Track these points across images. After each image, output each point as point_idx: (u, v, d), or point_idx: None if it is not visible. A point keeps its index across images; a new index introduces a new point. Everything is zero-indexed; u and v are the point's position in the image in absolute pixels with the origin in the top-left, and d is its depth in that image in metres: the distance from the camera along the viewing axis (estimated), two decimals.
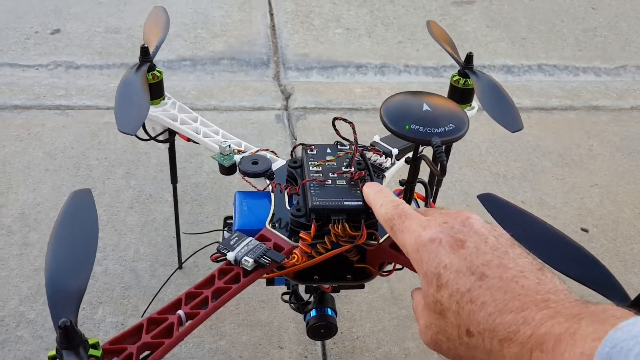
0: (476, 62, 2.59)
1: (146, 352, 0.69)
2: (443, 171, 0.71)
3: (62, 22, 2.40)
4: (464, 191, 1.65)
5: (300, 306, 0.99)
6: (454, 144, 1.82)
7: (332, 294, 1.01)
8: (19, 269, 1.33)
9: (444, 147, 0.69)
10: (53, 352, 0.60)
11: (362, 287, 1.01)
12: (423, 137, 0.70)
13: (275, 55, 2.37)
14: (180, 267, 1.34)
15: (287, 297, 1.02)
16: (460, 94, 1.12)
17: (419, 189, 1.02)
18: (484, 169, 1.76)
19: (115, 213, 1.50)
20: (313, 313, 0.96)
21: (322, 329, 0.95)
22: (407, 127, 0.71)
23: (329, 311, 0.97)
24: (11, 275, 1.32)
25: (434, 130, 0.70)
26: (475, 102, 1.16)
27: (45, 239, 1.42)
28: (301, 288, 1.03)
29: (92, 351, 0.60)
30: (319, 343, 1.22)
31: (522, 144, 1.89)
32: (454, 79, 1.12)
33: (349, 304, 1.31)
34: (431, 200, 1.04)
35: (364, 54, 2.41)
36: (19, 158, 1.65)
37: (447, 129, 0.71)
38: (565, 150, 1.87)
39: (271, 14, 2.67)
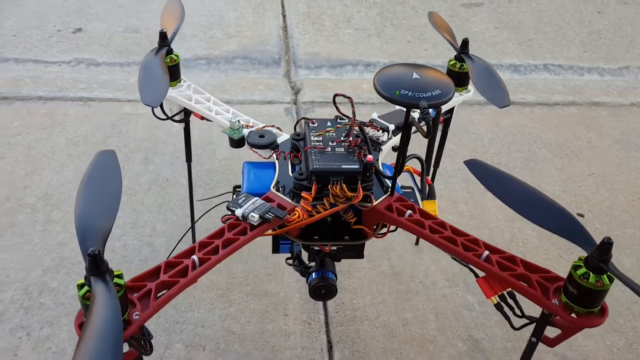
0: None
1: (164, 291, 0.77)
2: (429, 132, 0.78)
3: (84, 21, 2.52)
4: (465, 179, 1.72)
5: (303, 269, 1.07)
6: (456, 135, 1.89)
7: (333, 262, 1.08)
8: (42, 243, 1.43)
9: (430, 109, 0.77)
10: (82, 280, 0.68)
11: (362, 256, 1.07)
12: (411, 101, 0.78)
13: (286, 55, 2.46)
14: (192, 227, 1.40)
15: (291, 262, 1.09)
16: (457, 77, 1.20)
17: (415, 164, 1.10)
18: (486, 158, 1.83)
19: (134, 194, 1.59)
20: (314, 275, 1.03)
21: (322, 289, 1.02)
22: (397, 92, 0.79)
23: (330, 274, 1.04)
24: (35, 249, 1.41)
25: (421, 94, 0.78)
26: (471, 86, 1.23)
27: (67, 217, 1.52)
28: (304, 256, 1.10)
29: (116, 280, 0.68)
30: (321, 311, 1.29)
31: (524, 136, 1.96)
32: (451, 63, 1.20)
33: (350, 278, 1.39)
34: (426, 175, 1.11)
35: (373, 53, 2.49)
36: (43, 144, 1.76)
37: (433, 93, 0.78)
38: (566, 142, 1.93)
39: (284, 16, 2.77)
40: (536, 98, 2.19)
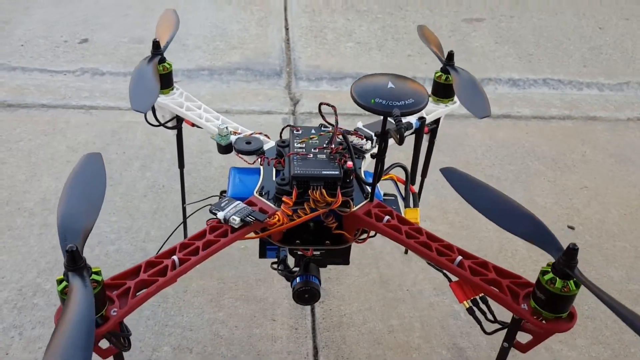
0: (482, 74, 2.69)
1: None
2: (401, 139, 0.81)
3: (90, 32, 2.58)
4: None
5: (287, 273, 1.09)
6: (450, 147, 1.92)
7: (319, 268, 1.10)
8: (39, 246, 1.46)
9: (402, 118, 0.79)
10: (61, 276, 0.71)
11: (347, 262, 1.09)
12: (385, 109, 0.80)
13: (288, 67, 2.50)
14: (185, 227, 1.43)
15: (275, 267, 1.11)
16: (443, 89, 1.23)
17: (399, 173, 1.12)
18: (478, 170, 1.85)
19: (130, 200, 1.62)
20: (298, 279, 1.06)
21: (306, 293, 1.04)
22: (372, 100, 0.82)
23: (313, 279, 1.06)
24: (31, 251, 1.45)
25: (395, 103, 0.81)
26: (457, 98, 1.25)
27: None
28: (291, 262, 1.12)
29: (94, 276, 0.71)
30: (309, 317, 1.31)
31: (518, 149, 1.97)
32: (437, 75, 1.23)
33: (339, 285, 1.40)
34: (411, 184, 1.13)
35: (373, 66, 2.53)
36: (44, 150, 1.80)
37: (407, 102, 0.81)
38: (559, 155, 1.95)
39: (286, 29, 2.81)
40: (532, 112, 2.21)
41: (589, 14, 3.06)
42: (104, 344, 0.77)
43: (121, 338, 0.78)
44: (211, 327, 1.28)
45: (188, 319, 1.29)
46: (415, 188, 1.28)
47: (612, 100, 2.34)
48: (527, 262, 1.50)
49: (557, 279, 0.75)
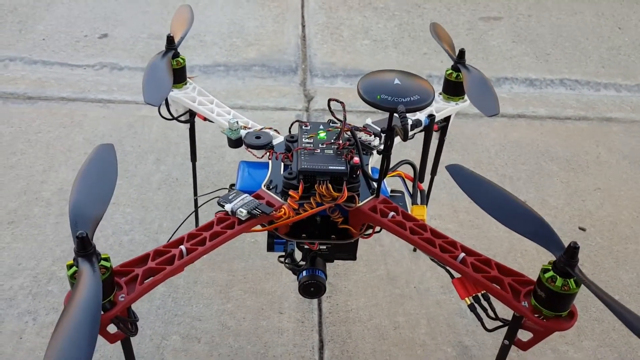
0: (499, 74, 2.68)
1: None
2: (406, 135, 0.82)
3: (110, 27, 2.62)
4: None
5: (294, 267, 1.10)
6: (463, 145, 1.92)
7: (326, 262, 1.12)
8: (54, 235, 1.49)
9: (407, 114, 0.80)
10: (71, 261, 0.74)
11: (354, 258, 1.10)
12: (390, 105, 0.81)
13: (303, 64, 2.52)
14: (196, 218, 1.46)
15: (282, 260, 1.13)
16: (454, 87, 1.23)
17: (408, 171, 1.13)
18: (491, 170, 1.85)
19: (144, 192, 1.65)
20: (305, 273, 1.07)
21: (312, 287, 1.05)
22: (378, 97, 0.83)
23: (320, 272, 1.07)
24: (47, 240, 1.48)
25: (400, 99, 0.82)
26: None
27: None
28: (297, 255, 1.14)
29: (103, 262, 0.73)
30: (316, 311, 1.33)
31: (532, 149, 1.97)
32: (447, 72, 1.23)
33: (347, 280, 1.42)
34: (419, 181, 1.14)
35: (389, 63, 2.53)
36: (62, 142, 1.84)
37: (412, 99, 0.82)
38: (573, 156, 1.94)
39: (303, 26, 2.82)
40: (547, 112, 2.20)
41: (608, 13, 3.02)
42: (112, 329, 0.80)
43: (128, 323, 0.80)
44: (219, 317, 1.30)
45: (197, 309, 1.32)
46: (425, 186, 1.29)
47: (629, 102, 2.32)
48: (537, 262, 1.50)
49: (558, 277, 0.75)
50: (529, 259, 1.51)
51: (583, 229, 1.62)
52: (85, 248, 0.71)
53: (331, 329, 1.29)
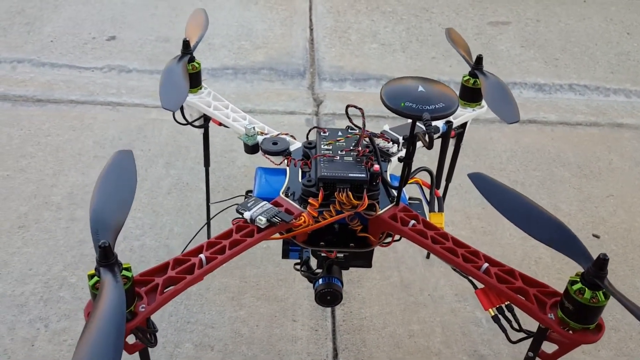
0: (508, 79, 2.66)
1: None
2: (431, 143, 0.80)
3: (118, 30, 2.61)
4: (481, 195, 1.72)
5: (310, 275, 1.09)
6: (474, 151, 1.91)
7: (341, 269, 1.10)
8: (65, 240, 1.48)
9: (432, 122, 0.79)
10: (92, 271, 0.72)
11: (370, 265, 1.09)
12: (415, 113, 0.80)
13: (312, 67, 2.51)
14: (208, 226, 1.44)
15: (298, 267, 1.12)
16: (471, 93, 1.22)
17: (425, 177, 1.12)
18: (503, 176, 1.83)
19: (155, 197, 1.64)
20: (321, 281, 1.06)
21: (328, 295, 1.04)
22: (402, 104, 0.81)
23: (336, 280, 1.06)
24: (57, 244, 1.47)
25: (425, 107, 0.80)
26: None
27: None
28: (313, 263, 1.13)
29: (124, 272, 0.72)
30: (329, 319, 1.31)
31: (543, 155, 1.95)
32: (465, 78, 1.22)
33: (360, 287, 1.40)
34: (436, 188, 1.13)
35: (397, 68, 2.52)
36: (72, 145, 1.83)
37: (437, 106, 0.81)
38: (585, 162, 1.92)
39: (311, 29, 2.82)
40: (558, 117, 2.19)
41: (617, 19, 3.01)
42: (131, 339, 0.78)
43: (148, 334, 0.79)
44: (232, 325, 1.29)
45: (210, 317, 1.30)
46: (440, 192, 1.28)
47: (639, 107, 2.30)
48: (551, 270, 1.48)
49: (586, 289, 0.74)
50: (543, 267, 1.50)
51: (597, 236, 1.61)
52: (107, 258, 0.70)
53: (345, 337, 1.28)
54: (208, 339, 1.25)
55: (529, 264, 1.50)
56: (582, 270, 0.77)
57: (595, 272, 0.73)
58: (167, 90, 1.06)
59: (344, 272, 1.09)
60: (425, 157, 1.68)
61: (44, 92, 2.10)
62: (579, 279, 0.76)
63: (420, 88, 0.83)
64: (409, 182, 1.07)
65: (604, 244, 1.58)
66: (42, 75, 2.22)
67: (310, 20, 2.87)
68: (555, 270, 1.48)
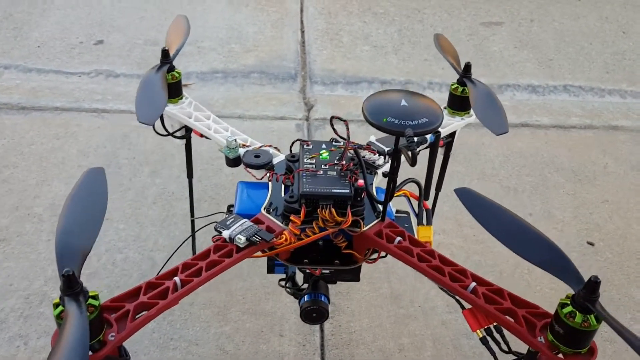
0: (501, 81, 2.62)
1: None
2: (414, 160, 0.77)
3: (106, 33, 2.57)
4: None
5: (295, 291, 1.06)
6: (466, 156, 1.87)
7: (328, 284, 1.07)
8: (47, 253, 1.45)
9: (415, 138, 0.76)
10: (57, 300, 0.69)
11: (358, 279, 1.06)
12: (397, 129, 0.77)
13: (303, 70, 2.47)
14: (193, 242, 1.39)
15: (283, 284, 1.08)
16: (459, 102, 1.18)
17: (413, 189, 1.09)
18: (495, 182, 1.80)
19: (139, 207, 1.61)
20: (307, 298, 1.02)
21: (314, 312, 1.01)
22: (384, 119, 0.78)
23: (322, 297, 1.03)
24: (39, 258, 1.43)
25: (408, 122, 0.77)
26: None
27: None
28: (299, 277, 1.09)
29: (91, 301, 0.69)
30: (317, 333, 1.28)
31: (536, 159, 1.92)
32: (453, 87, 1.19)
33: (349, 300, 1.37)
34: (424, 200, 1.10)
35: (389, 70, 2.49)
36: (55, 154, 1.79)
37: (420, 122, 0.77)
38: (580, 167, 1.89)
39: (302, 32, 2.78)
40: (551, 120, 2.15)
41: (612, 17, 2.98)
42: None
43: None
44: (217, 341, 1.25)
45: (194, 333, 1.27)
46: (429, 202, 1.24)
47: (635, 109, 2.27)
48: (544, 279, 1.45)
49: (577, 312, 0.71)
50: (536, 276, 1.46)
51: (592, 244, 1.58)
52: (72, 287, 0.66)
53: (334, 352, 1.25)
54: (192, 357, 1.22)
55: (521, 273, 1.47)
56: (572, 292, 0.74)
57: (586, 295, 0.70)
58: (143, 102, 1.02)
59: (332, 284, 1.06)
60: (418, 166, 1.65)
61: (28, 100, 2.06)
62: (569, 302, 0.72)
63: (404, 102, 0.80)
64: (397, 194, 1.04)
65: (598, 252, 1.55)
66: (28, 82, 2.18)
67: (302, 22, 2.83)
68: (549, 280, 1.45)
